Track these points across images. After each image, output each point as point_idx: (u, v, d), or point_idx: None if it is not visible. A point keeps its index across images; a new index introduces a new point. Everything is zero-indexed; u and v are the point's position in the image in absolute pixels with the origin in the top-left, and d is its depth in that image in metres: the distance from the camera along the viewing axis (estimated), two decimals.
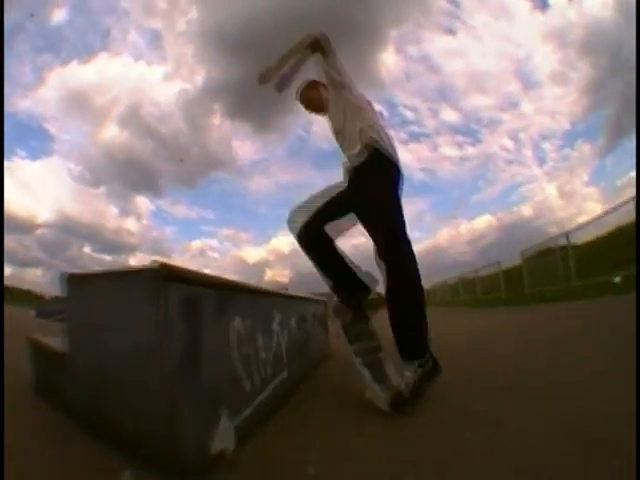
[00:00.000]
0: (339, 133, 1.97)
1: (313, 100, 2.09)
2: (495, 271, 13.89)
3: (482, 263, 16.65)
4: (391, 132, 2.03)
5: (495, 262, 14.10)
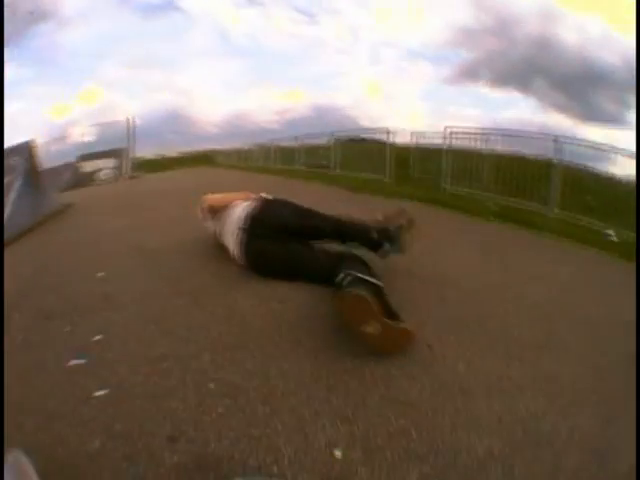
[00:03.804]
0: None
1: None
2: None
3: (287, 135, 11.53)
4: None
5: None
